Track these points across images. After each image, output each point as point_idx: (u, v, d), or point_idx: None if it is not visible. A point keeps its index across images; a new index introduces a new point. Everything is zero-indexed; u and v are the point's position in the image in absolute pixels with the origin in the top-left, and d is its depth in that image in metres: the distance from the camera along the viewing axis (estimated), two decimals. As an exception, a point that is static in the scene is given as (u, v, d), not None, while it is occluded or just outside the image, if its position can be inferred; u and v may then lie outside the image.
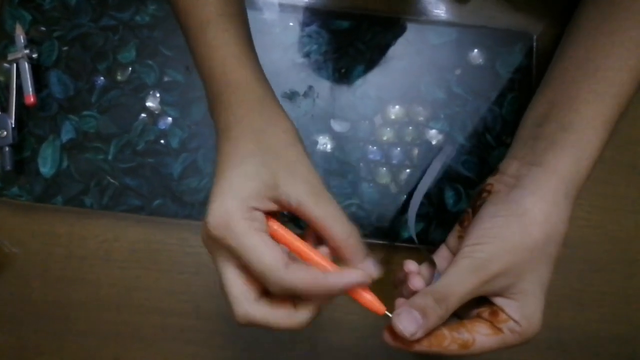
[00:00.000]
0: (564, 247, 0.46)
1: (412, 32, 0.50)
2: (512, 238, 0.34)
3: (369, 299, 0.33)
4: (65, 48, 0.49)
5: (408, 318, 0.32)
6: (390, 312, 0.33)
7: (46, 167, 0.47)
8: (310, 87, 0.48)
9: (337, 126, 0.48)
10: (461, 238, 0.39)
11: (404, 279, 0.37)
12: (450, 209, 0.47)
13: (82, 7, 0.49)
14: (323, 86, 0.48)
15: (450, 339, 0.34)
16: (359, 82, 0.49)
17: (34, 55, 0.48)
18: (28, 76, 0.47)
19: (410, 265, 0.37)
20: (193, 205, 0.46)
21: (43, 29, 0.49)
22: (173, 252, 0.46)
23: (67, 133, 0.47)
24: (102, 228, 0.46)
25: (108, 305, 0.45)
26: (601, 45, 0.39)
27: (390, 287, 0.38)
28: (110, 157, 0.47)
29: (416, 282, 0.36)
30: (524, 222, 0.34)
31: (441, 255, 0.40)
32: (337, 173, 0.47)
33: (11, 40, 0.48)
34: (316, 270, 0.31)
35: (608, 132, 0.37)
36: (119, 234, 0.46)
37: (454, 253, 0.39)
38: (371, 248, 0.45)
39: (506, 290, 0.34)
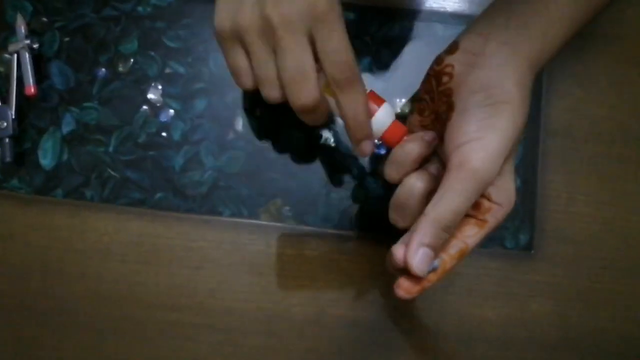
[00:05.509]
0: (572, 244, 0.46)
1: (419, 24, 0.49)
2: (504, 129, 0.33)
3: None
4: (66, 39, 0.48)
5: (424, 259, 0.33)
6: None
7: (46, 159, 0.46)
8: (315, 80, 0.48)
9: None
10: (425, 127, 0.37)
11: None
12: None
13: (84, -2, 0.48)
14: (328, 79, 0.48)
15: (449, 259, 0.35)
16: (364, 75, 0.48)
17: (35, 46, 0.47)
18: (29, 67, 0.46)
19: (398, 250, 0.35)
20: (195, 199, 0.46)
21: (44, 19, 0.48)
22: (174, 247, 0.45)
23: (67, 125, 0.47)
24: (102, 221, 0.46)
25: (108, 299, 0.45)
26: None
27: (389, 278, 0.37)
28: (111, 149, 0.46)
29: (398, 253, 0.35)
30: (511, 111, 0.33)
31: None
32: (342, 168, 0.47)
33: (12, 31, 0.47)
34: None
35: (580, 8, 0.35)
36: (119, 228, 0.46)
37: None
38: (377, 241, 0.45)
39: None
